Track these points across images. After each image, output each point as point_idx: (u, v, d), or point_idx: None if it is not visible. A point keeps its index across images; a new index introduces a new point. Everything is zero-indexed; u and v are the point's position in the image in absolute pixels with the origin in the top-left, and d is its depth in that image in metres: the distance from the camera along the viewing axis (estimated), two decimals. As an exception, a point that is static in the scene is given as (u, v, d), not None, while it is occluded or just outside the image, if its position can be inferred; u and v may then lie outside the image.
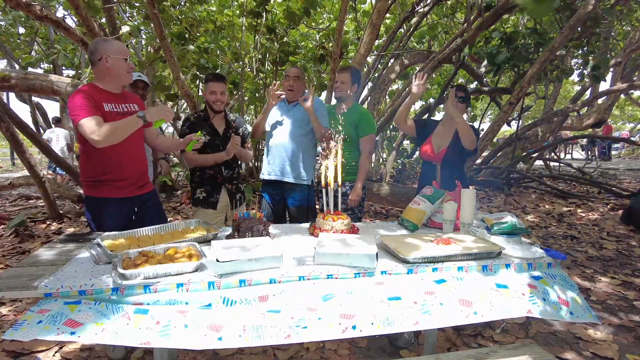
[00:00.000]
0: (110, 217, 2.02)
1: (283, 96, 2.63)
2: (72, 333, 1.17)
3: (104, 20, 4.87)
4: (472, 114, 9.12)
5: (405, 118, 2.56)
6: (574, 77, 8.68)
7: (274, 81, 2.53)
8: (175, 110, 8.58)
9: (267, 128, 2.70)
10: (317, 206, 2.81)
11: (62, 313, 1.22)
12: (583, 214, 5.43)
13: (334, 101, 3.09)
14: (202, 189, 2.55)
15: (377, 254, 1.47)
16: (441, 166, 2.51)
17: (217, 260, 1.36)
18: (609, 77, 8.00)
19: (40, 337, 1.14)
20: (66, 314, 1.22)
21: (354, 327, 1.30)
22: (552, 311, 1.48)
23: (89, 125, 1.77)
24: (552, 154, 10.28)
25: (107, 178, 1.99)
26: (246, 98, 6.08)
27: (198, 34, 5.72)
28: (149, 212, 2.18)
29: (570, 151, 17.04)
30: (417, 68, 7.49)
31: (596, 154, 14.57)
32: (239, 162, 2.72)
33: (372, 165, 7.03)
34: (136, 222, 2.10)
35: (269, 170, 2.67)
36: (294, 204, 2.69)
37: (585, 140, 14.50)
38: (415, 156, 8.00)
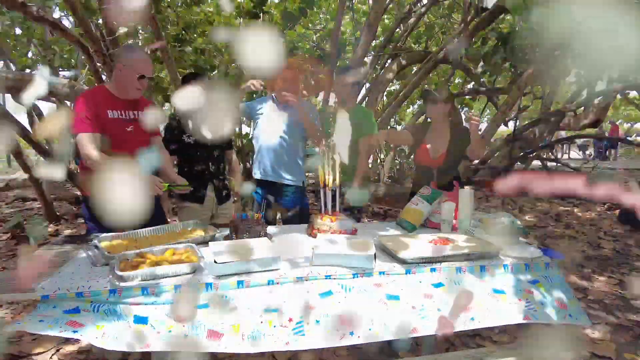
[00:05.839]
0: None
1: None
2: (75, 332, 1.18)
3: (101, 21, 4.86)
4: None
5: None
6: (571, 77, 8.71)
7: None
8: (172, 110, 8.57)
9: (258, 128, 2.70)
10: (313, 207, 2.80)
11: (63, 320, 1.22)
12: (580, 214, 5.44)
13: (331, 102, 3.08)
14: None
15: (375, 254, 1.47)
16: (439, 170, 2.37)
17: (215, 262, 1.36)
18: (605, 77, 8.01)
19: (43, 332, 1.16)
20: (67, 318, 1.22)
21: (351, 334, 1.31)
22: (549, 314, 1.49)
23: (85, 144, 1.80)
24: (550, 153, 10.30)
25: None
26: (243, 99, 6.06)
27: (195, 34, 5.70)
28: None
29: (567, 151, 17.06)
30: (415, 68, 7.50)
31: (592, 154, 14.61)
32: (225, 158, 2.72)
33: (370, 166, 7.03)
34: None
35: (259, 170, 2.67)
36: (286, 206, 2.68)
37: (592, 140, 14.52)
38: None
